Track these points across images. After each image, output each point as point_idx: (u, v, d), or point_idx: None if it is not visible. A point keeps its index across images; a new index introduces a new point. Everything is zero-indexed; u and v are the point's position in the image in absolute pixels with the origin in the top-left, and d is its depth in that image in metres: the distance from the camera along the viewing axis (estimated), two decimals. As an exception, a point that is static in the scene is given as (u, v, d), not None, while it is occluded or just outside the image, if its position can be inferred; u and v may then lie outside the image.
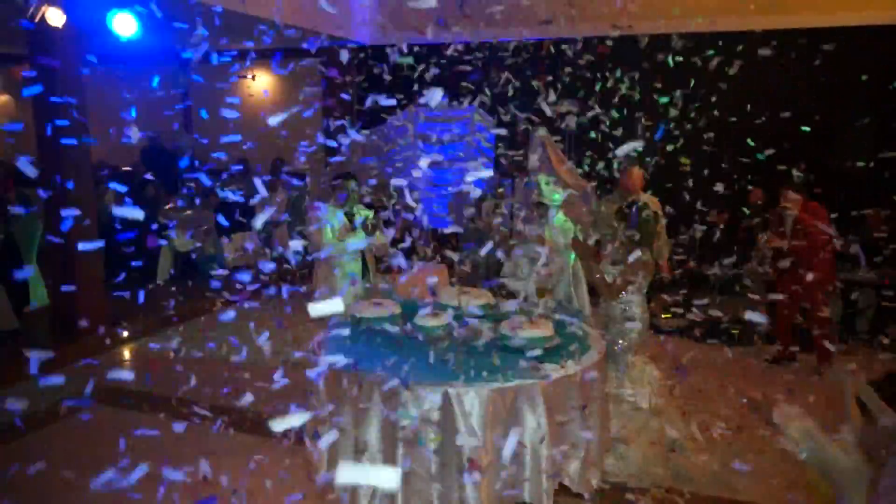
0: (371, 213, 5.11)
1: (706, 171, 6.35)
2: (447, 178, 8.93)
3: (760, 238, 6.40)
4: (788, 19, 7.80)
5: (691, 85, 6.73)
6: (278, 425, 1.68)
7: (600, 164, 6.05)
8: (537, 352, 3.55)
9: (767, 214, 6.30)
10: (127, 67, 8.97)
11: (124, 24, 6.29)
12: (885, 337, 6.17)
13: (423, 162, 3.31)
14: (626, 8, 6.99)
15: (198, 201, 8.72)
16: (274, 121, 1.77)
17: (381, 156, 8.83)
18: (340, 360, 3.46)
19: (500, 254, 4.54)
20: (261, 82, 12.14)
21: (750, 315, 3.01)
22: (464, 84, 6.45)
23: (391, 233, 4.94)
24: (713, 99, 7.31)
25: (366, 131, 8.91)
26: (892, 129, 7.47)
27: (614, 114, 6.38)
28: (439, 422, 3.19)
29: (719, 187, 5.60)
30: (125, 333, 6.69)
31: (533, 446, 3.26)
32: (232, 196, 4.07)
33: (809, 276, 5.26)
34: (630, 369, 4.05)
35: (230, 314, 3.05)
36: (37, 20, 5.70)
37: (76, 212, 3.55)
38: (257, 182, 2.79)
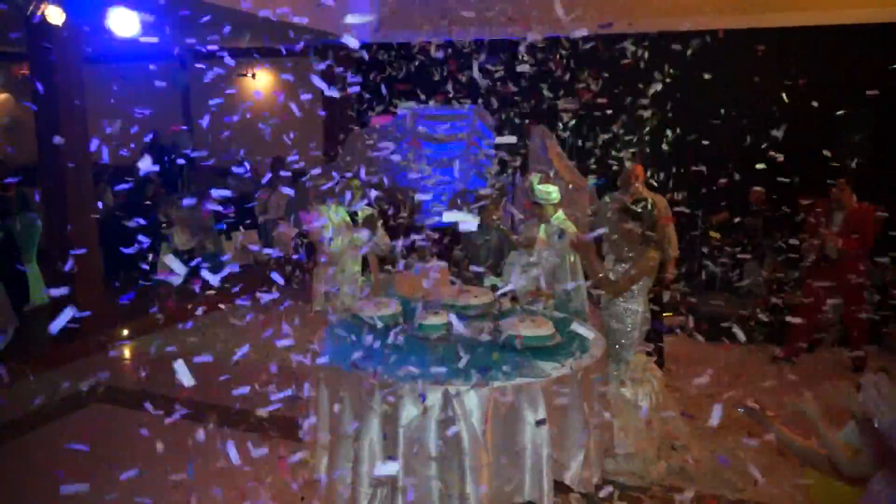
0: (374, 212, 5.11)
1: (707, 169, 6.32)
2: (448, 176, 8.92)
3: (816, 239, 6.10)
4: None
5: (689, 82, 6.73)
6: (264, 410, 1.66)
7: (601, 162, 6.05)
8: (538, 350, 3.55)
9: (816, 208, 6.08)
10: (126, 65, 8.97)
11: (125, 24, 6.27)
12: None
13: (415, 166, 3.33)
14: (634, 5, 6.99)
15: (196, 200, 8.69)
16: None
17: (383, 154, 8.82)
18: (341, 358, 3.47)
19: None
20: (260, 80, 12.13)
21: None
22: (462, 82, 6.44)
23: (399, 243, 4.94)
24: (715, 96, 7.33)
25: (364, 129, 8.92)
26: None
27: (612, 111, 6.38)
28: (439, 420, 3.19)
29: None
30: (125, 332, 6.68)
31: (533, 445, 3.26)
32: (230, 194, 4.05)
33: (858, 274, 5.30)
34: (631, 368, 4.04)
35: (227, 313, 3.04)
36: (37, 18, 5.69)
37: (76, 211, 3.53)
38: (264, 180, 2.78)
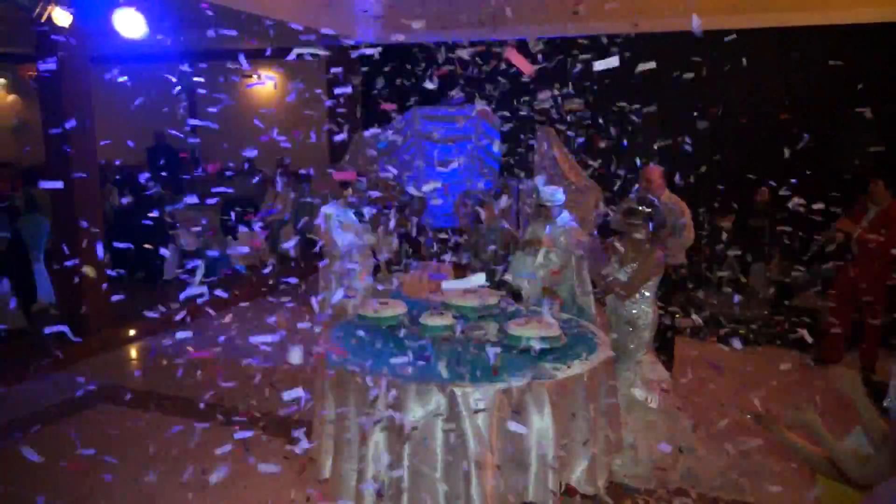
0: (376, 212, 5.11)
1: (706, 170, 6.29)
2: (452, 177, 8.90)
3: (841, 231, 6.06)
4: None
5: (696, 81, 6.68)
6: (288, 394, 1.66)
7: (609, 164, 6.01)
8: (544, 352, 3.53)
9: (856, 206, 6.02)
10: (131, 65, 8.99)
11: (131, 25, 6.28)
12: None
13: (427, 186, 3.34)
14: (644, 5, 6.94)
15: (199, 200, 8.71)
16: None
17: (384, 157, 8.82)
18: (346, 359, 3.46)
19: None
20: (266, 81, 12.16)
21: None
22: (467, 82, 6.43)
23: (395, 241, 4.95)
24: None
25: (368, 132, 8.91)
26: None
27: (618, 111, 6.34)
28: (444, 421, 3.18)
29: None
30: (131, 332, 6.70)
31: (539, 446, 3.24)
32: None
33: (881, 273, 5.33)
34: (643, 369, 4.03)
35: (232, 314, 3.05)
36: (43, 20, 5.71)
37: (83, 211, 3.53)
38: (279, 182, 2.79)
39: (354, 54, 3.69)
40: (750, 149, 7.71)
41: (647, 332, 4.02)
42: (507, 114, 7.83)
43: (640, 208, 3.99)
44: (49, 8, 5.76)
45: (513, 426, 3.07)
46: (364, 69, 8.76)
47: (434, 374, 3.29)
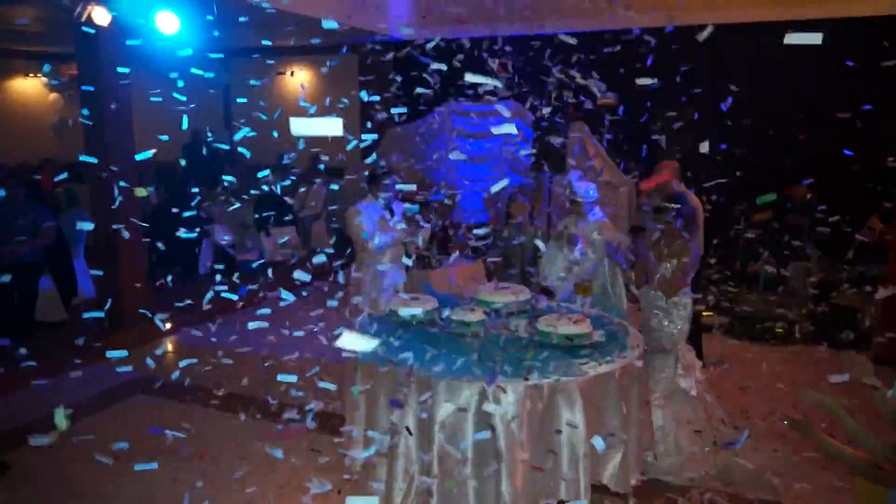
0: (408, 206, 5.11)
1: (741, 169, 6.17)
2: (483, 173, 8.88)
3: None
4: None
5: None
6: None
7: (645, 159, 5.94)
8: (575, 348, 3.51)
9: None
10: (168, 64, 9.12)
11: (167, 22, 6.41)
12: None
13: (496, 187, 3.34)
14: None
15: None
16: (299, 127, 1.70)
17: (417, 152, 8.84)
18: (377, 354, 3.48)
19: (539, 243, 4.50)
20: (298, 78, 12.28)
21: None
22: (499, 78, 6.39)
23: (427, 227, 4.95)
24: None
25: (399, 129, 8.93)
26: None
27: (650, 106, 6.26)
28: (475, 418, 3.17)
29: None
30: (167, 326, 6.82)
31: (570, 444, 3.22)
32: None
33: None
34: (685, 361, 4.06)
35: (267, 309, 3.07)
36: (83, 19, 5.84)
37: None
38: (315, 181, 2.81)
39: (388, 56, 3.70)
40: (791, 145, 7.54)
41: (687, 325, 4.08)
42: (540, 107, 7.78)
43: (668, 205, 4.01)
44: (89, 7, 5.88)
45: (566, 416, 3.09)
46: (399, 64, 8.77)
47: (464, 370, 3.29)
